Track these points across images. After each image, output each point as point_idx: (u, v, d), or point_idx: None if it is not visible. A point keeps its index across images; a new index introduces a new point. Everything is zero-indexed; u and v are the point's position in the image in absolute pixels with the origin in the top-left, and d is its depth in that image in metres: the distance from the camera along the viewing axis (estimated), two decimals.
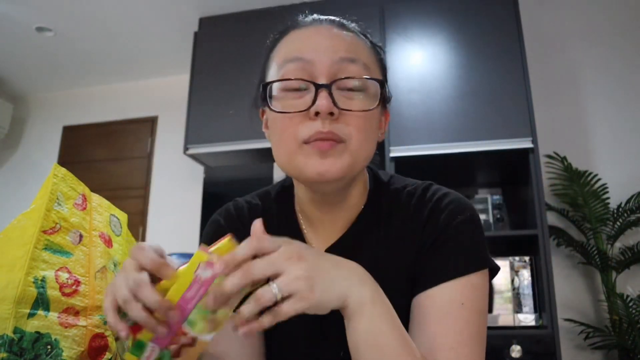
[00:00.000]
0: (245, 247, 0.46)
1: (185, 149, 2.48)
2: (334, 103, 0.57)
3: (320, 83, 0.57)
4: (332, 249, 0.67)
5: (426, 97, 2.16)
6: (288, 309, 0.44)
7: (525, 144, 2.01)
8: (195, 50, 2.62)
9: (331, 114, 0.56)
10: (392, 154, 2.12)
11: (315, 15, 0.67)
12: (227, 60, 2.52)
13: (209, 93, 2.51)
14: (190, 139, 2.48)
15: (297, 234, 0.70)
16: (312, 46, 0.60)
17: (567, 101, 2.56)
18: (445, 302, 0.58)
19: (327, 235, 0.68)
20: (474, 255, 0.61)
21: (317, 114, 0.56)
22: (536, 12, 2.63)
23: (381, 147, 2.14)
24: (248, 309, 0.44)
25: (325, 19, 0.66)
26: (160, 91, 3.43)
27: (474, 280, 0.59)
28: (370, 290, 0.50)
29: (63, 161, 3.43)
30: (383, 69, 0.67)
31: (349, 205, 0.67)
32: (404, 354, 0.50)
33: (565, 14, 2.66)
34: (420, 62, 2.24)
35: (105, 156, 3.40)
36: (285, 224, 0.71)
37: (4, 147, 3.63)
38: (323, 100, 0.56)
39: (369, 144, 0.60)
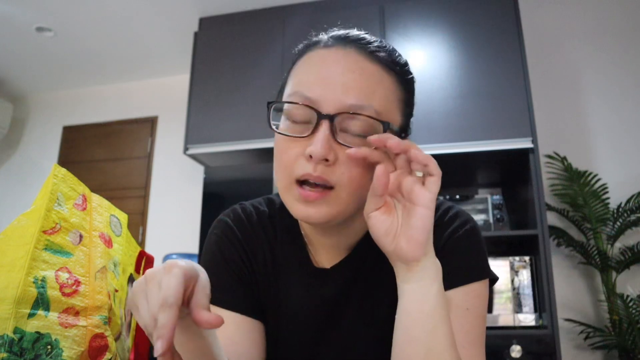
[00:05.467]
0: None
1: (185, 149, 2.48)
2: (333, 137, 0.54)
3: (322, 113, 0.54)
4: (336, 269, 0.67)
5: (426, 97, 2.16)
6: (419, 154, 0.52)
7: (525, 144, 2.01)
8: (195, 50, 2.62)
9: (326, 160, 0.54)
10: None
11: (341, 32, 0.61)
12: (227, 60, 2.52)
13: (209, 93, 2.51)
14: (190, 139, 2.48)
15: (301, 247, 0.70)
16: (323, 82, 0.56)
17: (567, 101, 2.56)
18: (451, 307, 0.60)
19: (330, 256, 0.68)
20: (477, 265, 0.64)
21: (311, 156, 0.54)
22: (536, 12, 2.63)
23: None
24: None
25: (352, 40, 0.59)
26: (160, 91, 3.43)
27: (477, 288, 0.62)
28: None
29: (63, 161, 3.43)
30: (407, 105, 0.62)
31: (353, 231, 0.66)
32: (451, 335, 0.52)
33: (565, 14, 2.66)
34: (420, 62, 2.25)
35: (105, 156, 3.40)
36: (289, 235, 0.71)
37: (4, 147, 3.63)
38: (318, 146, 0.53)
39: (363, 190, 0.56)
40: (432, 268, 0.51)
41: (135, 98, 3.49)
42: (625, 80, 2.51)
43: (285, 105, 0.58)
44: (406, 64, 0.63)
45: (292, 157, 0.56)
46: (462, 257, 0.63)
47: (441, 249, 0.63)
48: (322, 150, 0.53)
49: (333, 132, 0.54)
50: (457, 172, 2.39)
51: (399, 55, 0.62)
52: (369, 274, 0.67)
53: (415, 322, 0.49)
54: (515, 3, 2.20)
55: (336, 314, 0.67)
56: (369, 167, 0.56)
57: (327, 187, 0.55)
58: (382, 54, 0.59)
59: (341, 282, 0.66)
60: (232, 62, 2.49)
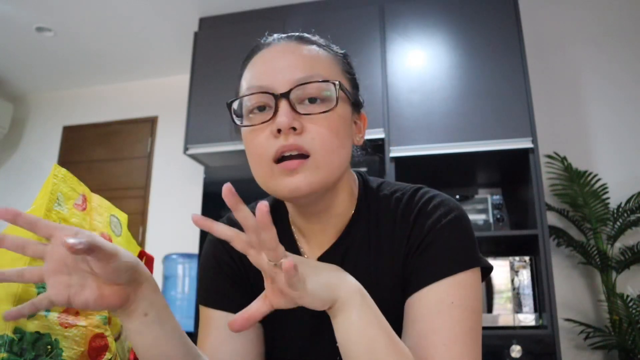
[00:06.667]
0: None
1: (185, 149, 2.48)
2: (294, 109, 0.58)
3: (277, 93, 0.58)
4: (324, 257, 0.68)
5: (426, 97, 2.15)
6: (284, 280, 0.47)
7: (525, 144, 2.01)
8: (195, 50, 2.62)
9: (293, 128, 0.57)
10: (392, 154, 2.12)
11: (275, 35, 0.68)
12: (227, 60, 2.51)
13: (209, 93, 2.51)
14: (190, 139, 2.48)
15: (291, 244, 0.71)
16: (271, 70, 0.61)
17: (567, 101, 2.56)
18: (435, 302, 0.58)
19: (318, 243, 0.69)
20: (461, 255, 0.61)
21: (279, 131, 0.57)
22: (536, 12, 2.63)
23: (381, 147, 2.14)
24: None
25: (285, 37, 0.67)
26: (160, 91, 3.43)
27: (463, 279, 0.59)
28: (357, 285, 0.54)
29: (63, 161, 3.43)
30: (350, 76, 0.68)
31: (337, 214, 0.68)
32: (392, 347, 0.51)
33: (566, 14, 2.66)
34: (420, 62, 2.24)
35: (105, 156, 3.40)
36: (280, 234, 0.72)
37: (4, 147, 3.63)
38: (282, 117, 0.57)
39: (337, 153, 0.60)
40: (344, 298, 0.52)
41: (135, 98, 3.49)
42: (625, 80, 2.51)
43: (244, 104, 0.62)
44: (337, 48, 0.70)
45: (263, 141, 0.59)
46: (445, 247, 0.61)
47: (423, 240, 0.62)
48: (287, 119, 0.57)
49: (292, 106, 0.58)
50: (457, 172, 2.39)
51: (331, 42, 0.70)
52: (356, 258, 0.67)
53: (350, 351, 0.51)
54: (515, 3, 2.20)
55: None
56: (337, 132, 0.60)
57: (304, 157, 0.58)
58: (315, 39, 0.67)
59: None
60: (232, 62, 2.48)
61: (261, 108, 0.61)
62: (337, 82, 0.60)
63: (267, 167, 0.60)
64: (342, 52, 0.69)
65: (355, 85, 0.69)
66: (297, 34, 0.67)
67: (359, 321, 0.50)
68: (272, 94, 0.59)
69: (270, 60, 0.63)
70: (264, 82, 0.60)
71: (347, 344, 0.51)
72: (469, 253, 0.62)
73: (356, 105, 0.68)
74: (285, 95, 0.58)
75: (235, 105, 0.64)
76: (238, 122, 0.63)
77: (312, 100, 0.59)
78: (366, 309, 0.51)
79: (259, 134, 0.60)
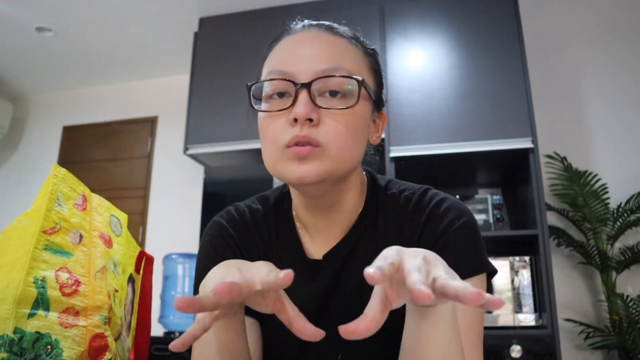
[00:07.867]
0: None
1: (185, 149, 2.48)
2: (313, 101, 0.57)
3: (299, 83, 0.57)
4: (330, 255, 0.67)
5: (426, 97, 2.16)
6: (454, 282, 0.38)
7: (525, 144, 2.01)
8: (195, 50, 2.62)
9: (310, 120, 0.57)
10: (392, 154, 2.12)
11: (306, 21, 0.66)
12: (227, 60, 2.52)
13: (209, 93, 2.51)
14: (190, 139, 2.48)
15: (295, 240, 0.70)
16: (296, 57, 0.60)
17: (567, 101, 2.56)
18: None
19: (324, 241, 0.68)
20: (473, 260, 0.61)
21: (295, 120, 0.57)
22: (536, 12, 2.63)
23: (381, 147, 2.14)
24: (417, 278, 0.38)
25: (315, 24, 0.65)
26: (160, 91, 3.43)
27: (475, 284, 0.60)
28: None
29: (63, 161, 3.43)
30: (376, 74, 0.67)
31: (344, 211, 0.67)
32: (462, 347, 0.49)
33: (565, 14, 2.66)
34: (420, 62, 2.25)
35: (105, 156, 3.40)
36: (283, 229, 0.71)
37: (4, 147, 3.63)
38: (300, 107, 0.56)
39: (351, 149, 0.59)
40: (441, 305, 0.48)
41: (135, 98, 3.49)
42: (625, 80, 2.51)
43: (264, 88, 0.61)
44: (367, 42, 0.68)
45: (278, 128, 0.59)
46: (457, 252, 0.60)
47: (435, 243, 0.62)
48: (305, 110, 0.56)
49: (312, 97, 0.57)
50: (457, 172, 2.39)
51: (361, 35, 0.68)
52: (362, 256, 0.66)
53: (429, 341, 0.47)
54: (515, 3, 2.20)
55: (328, 303, 0.67)
56: (354, 129, 0.59)
57: (315, 146, 0.57)
58: (345, 31, 0.65)
59: (332, 272, 0.66)
60: (232, 62, 2.49)
61: (281, 94, 0.60)
62: (360, 79, 0.59)
63: (279, 151, 0.59)
64: (371, 47, 0.68)
65: (380, 83, 0.67)
66: (327, 23, 0.66)
67: (447, 333, 0.47)
68: (293, 82, 0.58)
69: (296, 47, 0.61)
70: (287, 68, 0.59)
71: (423, 350, 0.47)
72: (479, 258, 0.62)
73: (378, 104, 0.67)
74: (307, 85, 0.57)
75: (254, 87, 0.62)
76: (256, 106, 0.62)
77: (333, 93, 0.58)
78: (455, 323, 0.48)
79: (275, 120, 0.59)
